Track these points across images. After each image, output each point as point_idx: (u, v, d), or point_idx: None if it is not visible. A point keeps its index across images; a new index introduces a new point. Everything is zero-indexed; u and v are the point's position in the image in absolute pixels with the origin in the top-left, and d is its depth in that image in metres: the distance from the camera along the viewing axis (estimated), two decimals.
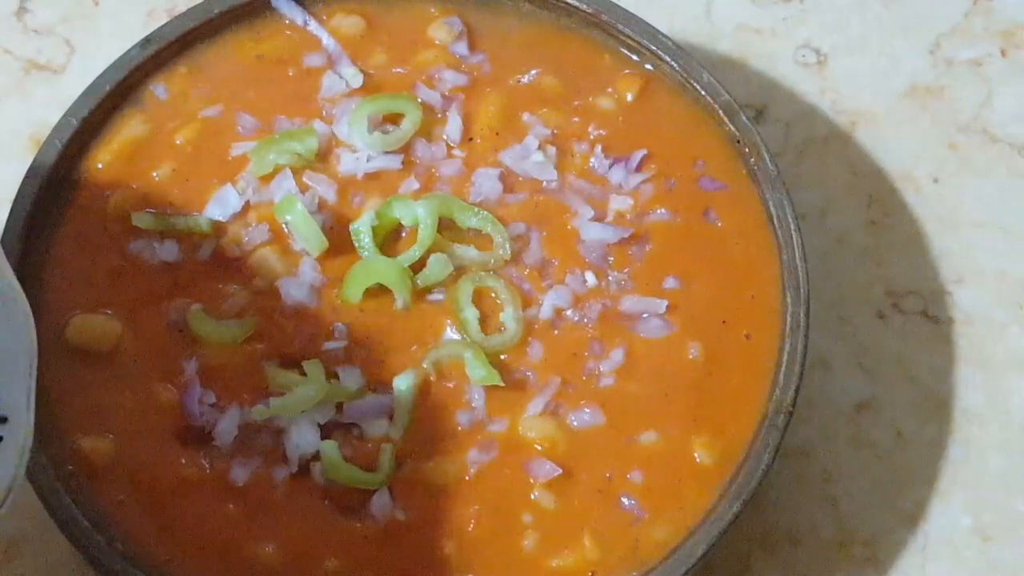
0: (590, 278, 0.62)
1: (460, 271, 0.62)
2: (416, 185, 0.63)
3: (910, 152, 0.71)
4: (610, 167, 0.64)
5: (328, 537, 0.58)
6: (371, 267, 0.61)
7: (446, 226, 0.62)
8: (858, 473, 0.64)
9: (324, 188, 0.63)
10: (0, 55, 0.72)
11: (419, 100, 0.65)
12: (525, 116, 0.65)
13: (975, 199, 0.70)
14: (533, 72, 0.66)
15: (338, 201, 0.63)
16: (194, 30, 0.65)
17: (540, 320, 0.61)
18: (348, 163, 0.64)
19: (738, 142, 0.64)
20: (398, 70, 0.66)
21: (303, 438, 0.58)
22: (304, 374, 0.59)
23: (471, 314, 0.61)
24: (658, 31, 0.65)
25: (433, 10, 0.67)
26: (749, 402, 0.60)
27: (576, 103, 0.66)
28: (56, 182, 0.63)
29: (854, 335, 0.67)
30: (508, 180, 0.64)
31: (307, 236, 0.61)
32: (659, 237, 0.63)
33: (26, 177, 0.62)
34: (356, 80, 0.66)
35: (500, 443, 0.59)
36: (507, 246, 0.62)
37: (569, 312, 0.62)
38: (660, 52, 0.65)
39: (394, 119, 0.65)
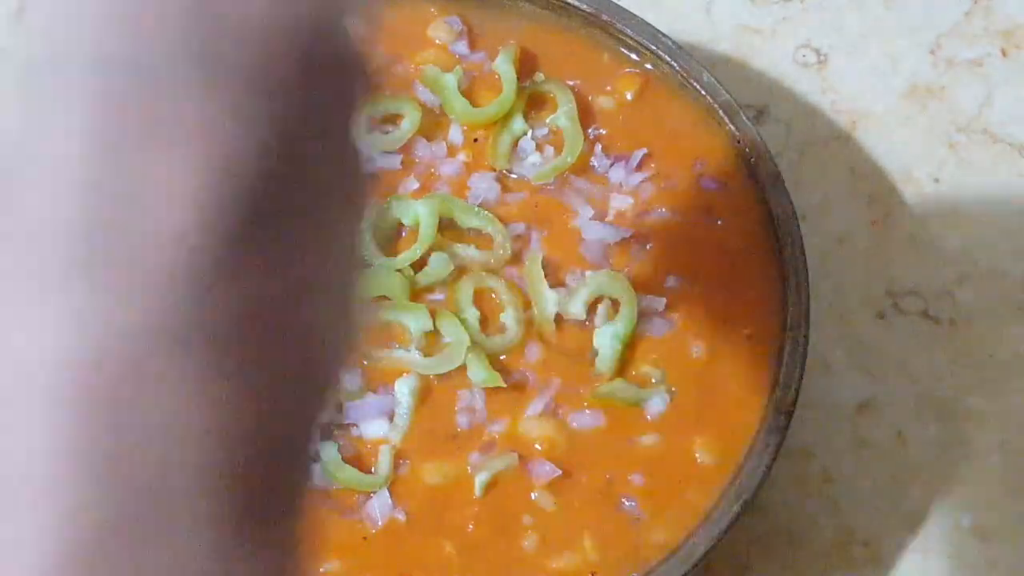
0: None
1: (460, 271, 0.62)
2: (416, 185, 0.63)
3: (910, 152, 0.70)
4: (610, 166, 0.64)
5: (328, 537, 0.57)
6: (372, 279, 0.61)
7: (446, 226, 0.62)
8: (858, 473, 0.64)
9: None
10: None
11: (419, 100, 0.65)
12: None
13: (975, 199, 0.70)
14: (533, 71, 0.66)
15: None
16: None
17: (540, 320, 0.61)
18: None
19: (738, 142, 0.64)
20: (398, 69, 0.66)
21: None
22: None
23: (472, 315, 0.61)
24: (658, 31, 0.65)
25: (433, 9, 0.67)
26: (750, 402, 0.60)
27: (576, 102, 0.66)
28: None
29: (854, 335, 0.67)
30: (508, 180, 0.64)
31: None
32: (659, 236, 0.63)
33: None
34: None
35: (500, 444, 0.59)
36: (508, 246, 0.62)
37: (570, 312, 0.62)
38: (660, 52, 0.65)
39: (393, 119, 0.65)
